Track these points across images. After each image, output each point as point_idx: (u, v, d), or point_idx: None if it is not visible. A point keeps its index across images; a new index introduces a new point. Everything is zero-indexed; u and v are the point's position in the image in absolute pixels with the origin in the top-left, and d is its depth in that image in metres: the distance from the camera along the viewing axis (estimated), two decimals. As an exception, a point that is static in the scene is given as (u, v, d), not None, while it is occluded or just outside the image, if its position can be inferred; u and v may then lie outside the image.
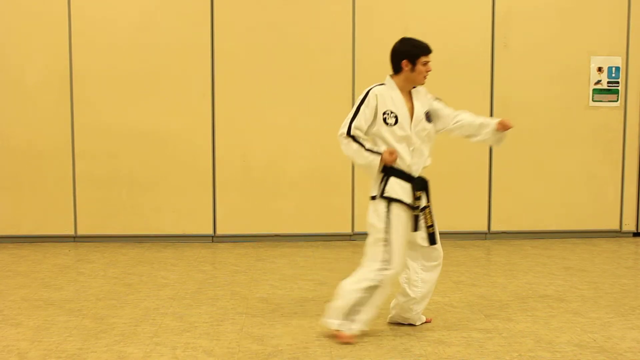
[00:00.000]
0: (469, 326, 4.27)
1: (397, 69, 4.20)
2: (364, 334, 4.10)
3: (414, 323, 4.26)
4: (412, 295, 4.18)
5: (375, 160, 3.98)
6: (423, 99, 4.21)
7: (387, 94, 4.15)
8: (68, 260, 6.18)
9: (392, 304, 4.32)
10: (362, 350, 3.85)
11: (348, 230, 7.01)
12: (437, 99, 4.31)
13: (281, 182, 6.95)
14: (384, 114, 4.07)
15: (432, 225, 4.19)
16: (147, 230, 6.94)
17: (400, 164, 4.03)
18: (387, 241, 3.96)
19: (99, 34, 6.77)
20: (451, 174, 7.02)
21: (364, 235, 6.97)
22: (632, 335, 4.11)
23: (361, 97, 4.18)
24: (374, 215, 4.02)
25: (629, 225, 7.22)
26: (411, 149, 4.07)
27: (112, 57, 6.78)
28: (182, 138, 6.87)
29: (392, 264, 3.94)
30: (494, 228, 7.12)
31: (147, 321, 4.37)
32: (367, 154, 4.00)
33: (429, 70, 4.14)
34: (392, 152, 3.98)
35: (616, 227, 7.22)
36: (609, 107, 7.09)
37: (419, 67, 4.10)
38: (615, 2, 7.00)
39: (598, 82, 7.04)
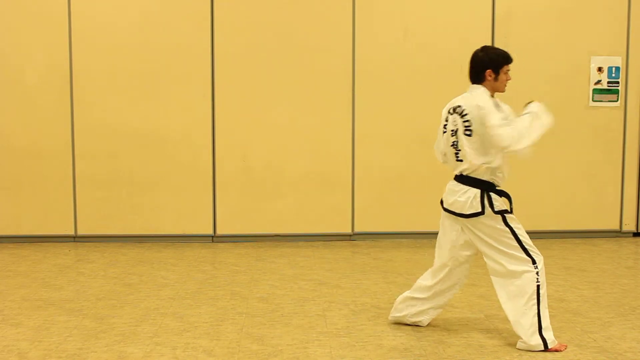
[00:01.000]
0: (469, 326, 4.27)
1: (479, 79, 4.13)
2: (363, 334, 4.11)
3: (422, 324, 4.26)
4: (441, 302, 4.20)
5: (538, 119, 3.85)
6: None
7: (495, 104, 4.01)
8: (68, 260, 6.18)
9: (403, 305, 4.28)
10: (362, 350, 3.85)
11: (348, 230, 7.02)
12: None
13: (281, 182, 6.95)
14: None
15: None
16: (147, 230, 6.94)
17: (497, 178, 3.98)
18: (524, 243, 3.89)
19: (99, 34, 6.77)
20: (451, 173, 7.00)
21: (364, 235, 7.04)
22: (632, 335, 4.11)
23: (487, 104, 3.97)
24: (495, 229, 3.92)
25: (629, 225, 7.22)
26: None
27: (112, 57, 6.78)
28: (182, 138, 6.87)
29: (536, 258, 3.86)
30: (494, 228, 7.11)
31: (147, 321, 4.37)
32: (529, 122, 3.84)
33: (509, 79, 4.09)
34: None
35: (616, 227, 7.22)
36: (609, 107, 7.09)
37: (502, 75, 4.05)
38: (615, 2, 7.00)
39: (598, 82, 7.04)
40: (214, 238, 6.99)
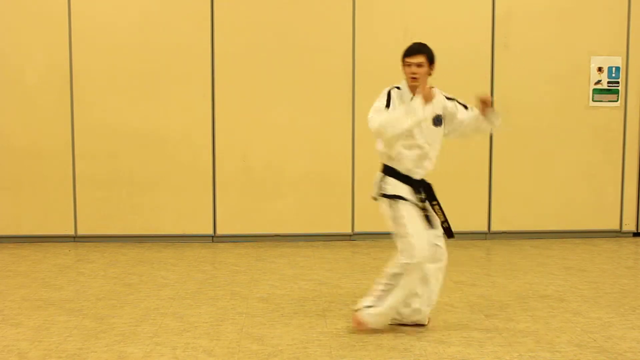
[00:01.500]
0: (469, 326, 4.27)
1: None
2: (363, 334, 4.11)
3: (423, 323, 4.26)
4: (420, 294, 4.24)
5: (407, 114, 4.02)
6: (435, 101, 4.17)
7: (399, 95, 4.17)
8: (68, 260, 6.18)
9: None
10: (362, 350, 3.85)
11: (348, 230, 7.01)
12: (451, 99, 4.31)
13: (281, 182, 6.95)
14: None
15: (445, 220, 4.26)
16: (147, 230, 6.94)
17: (398, 166, 4.18)
18: (402, 234, 4.08)
19: (99, 34, 6.77)
20: (451, 174, 7.01)
21: (364, 235, 7.04)
22: (632, 335, 4.11)
23: (382, 96, 4.18)
24: (385, 213, 4.23)
25: (629, 225, 7.22)
26: (417, 152, 4.15)
27: (112, 57, 6.78)
28: (182, 138, 6.87)
29: (412, 254, 3.99)
30: (494, 228, 7.12)
31: (147, 321, 4.37)
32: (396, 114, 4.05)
33: (412, 73, 4.14)
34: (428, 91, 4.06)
35: (616, 227, 7.22)
36: (609, 107, 7.09)
37: (405, 68, 4.18)
38: (615, 2, 7.00)
39: (598, 82, 7.04)
40: (214, 238, 6.99)
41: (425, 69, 4.17)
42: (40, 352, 3.83)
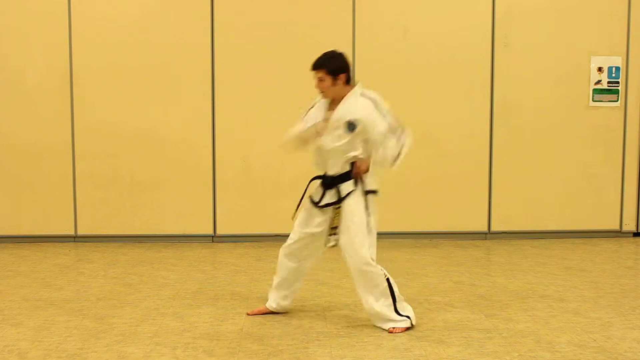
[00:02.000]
0: (469, 326, 4.27)
1: None
2: (364, 334, 4.11)
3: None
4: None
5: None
6: (355, 109, 4.15)
7: (320, 102, 4.34)
8: (68, 260, 6.18)
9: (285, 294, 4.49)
10: (362, 350, 3.85)
11: (348, 230, 7.01)
12: (382, 114, 4.20)
13: (281, 182, 6.94)
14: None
15: (334, 228, 4.26)
16: (147, 230, 6.94)
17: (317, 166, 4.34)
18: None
19: (99, 34, 6.77)
20: (451, 173, 7.03)
21: (364, 235, 7.00)
22: (632, 335, 4.11)
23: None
24: None
25: (629, 225, 7.22)
26: (322, 149, 4.24)
27: (112, 57, 6.78)
28: (182, 138, 6.87)
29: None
30: (494, 228, 7.12)
31: (148, 321, 4.37)
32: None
33: (316, 87, 4.24)
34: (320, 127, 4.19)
35: (616, 227, 7.22)
36: (609, 107, 7.09)
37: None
38: (615, 2, 7.00)
39: (598, 82, 7.04)
40: (214, 238, 6.99)
41: (326, 82, 4.18)
42: (40, 352, 3.83)
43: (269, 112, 6.89)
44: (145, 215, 6.92)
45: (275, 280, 4.50)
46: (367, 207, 4.29)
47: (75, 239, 6.94)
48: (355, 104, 4.16)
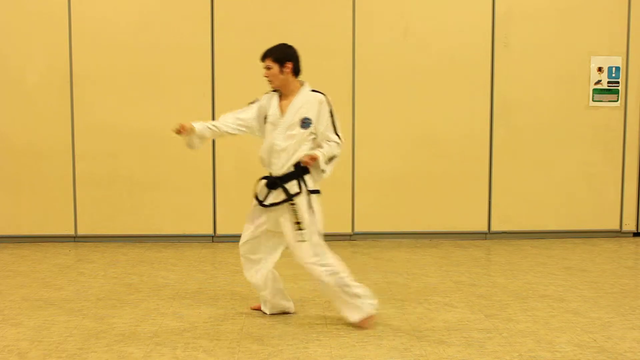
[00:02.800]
0: (469, 326, 4.27)
1: None
2: (363, 334, 4.11)
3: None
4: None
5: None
6: (309, 105, 4.24)
7: (268, 95, 4.45)
8: (68, 260, 6.18)
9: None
10: (362, 350, 3.85)
11: (348, 230, 7.01)
12: (331, 114, 4.28)
13: (281, 182, 6.93)
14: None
15: (298, 222, 4.24)
16: (147, 230, 6.94)
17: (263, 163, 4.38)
18: None
19: (99, 34, 6.77)
20: (451, 173, 7.03)
21: (364, 235, 7.04)
22: (632, 335, 4.11)
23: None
24: None
25: (629, 225, 7.22)
26: (273, 149, 4.27)
27: (112, 57, 6.78)
28: (182, 138, 6.85)
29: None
30: (494, 228, 7.12)
31: (147, 321, 4.37)
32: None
33: (265, 76, 4.37)
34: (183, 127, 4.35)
35: (616, 227, 7.22)
36: (609, 107, 7.09)
37: None
38: (615, 2, 7.00)
39: (598, 82, 7.04)
40: (214, 238, 6.99)
41: (273, 70, 4.30)
42: (40, 352, 3.83)
43: (269, 112, 6.88)
44: (145, 215, 6.92)
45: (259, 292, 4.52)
46: (310, 206, 4.22)
47: (75, 239, 6.95)
48: (308, 99, 4.23)
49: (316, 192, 4.28)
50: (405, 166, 7.01)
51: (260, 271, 4.40)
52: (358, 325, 4.19)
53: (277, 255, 4.47)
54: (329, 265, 4.19)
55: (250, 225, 4.38)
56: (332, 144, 4.24)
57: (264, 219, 4.34)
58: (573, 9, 6.99)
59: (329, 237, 7.01)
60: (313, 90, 4.32)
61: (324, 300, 4.84)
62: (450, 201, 7.05)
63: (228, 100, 6.86)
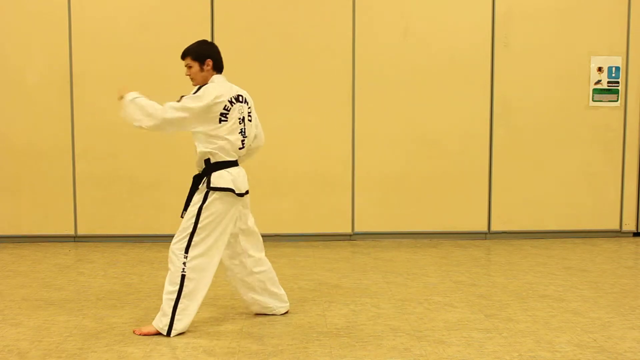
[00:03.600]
0: (469, 326, 4.27)
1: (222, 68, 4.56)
2: (363, 334, 4.11)
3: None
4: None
5: None
6: None
7: None
8: (68, 260, 6.18)
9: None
10: (362, 350, 3.85)
11: (348, 230, 7.01)
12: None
13: (281, 182, 6.95)
14: None
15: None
16: (147, 230, 6.94)
17: None
18: None
19: (99, 33, 6.77)
20: (451, 173, 7.03)
21: (364, 235, 7.04)
22: (632, 335, 4.11)
23: None
24: None
25: (629, 225, 7.22)
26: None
27: (112, 57, 6.79)
28: (183, 138, 6.83)
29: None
30: (494, 228, 7.12)
31: (148, 321, 4.36)
32: None
33: (187, 75, 4.33)
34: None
35: (616, 227, 7.22)
36: (609, 107, 7.09)
37: None
38: (615, 2, 7.01)
39: (598, 82, 7.05)
40: (214, 238, 6.99)
41: (194, 69, 4.28)
42: (40, 352, 3.83)
43: (268, 112, 6.86)
44: (145, 215, 6.92)
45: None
46: (203, 202, 4.12)
47: (75, 239, 6.95)
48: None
49: (221, 189, 4.12)
50: (405, 166, 7.01)
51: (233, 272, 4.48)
52: (140, 329, 4.12)
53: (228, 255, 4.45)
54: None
55: None
56: (163, 105, 4.08)
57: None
58: (573, 9, 6.99)
59: (329, 237, 7.07)
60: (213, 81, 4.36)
61: (324, 300, 4.84)
62: (450, 201, 7.05)
63: (228, 100, 6.87)
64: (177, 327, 4.06)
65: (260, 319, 4.43)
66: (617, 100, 7.08)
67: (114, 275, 5.60)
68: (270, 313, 4.47)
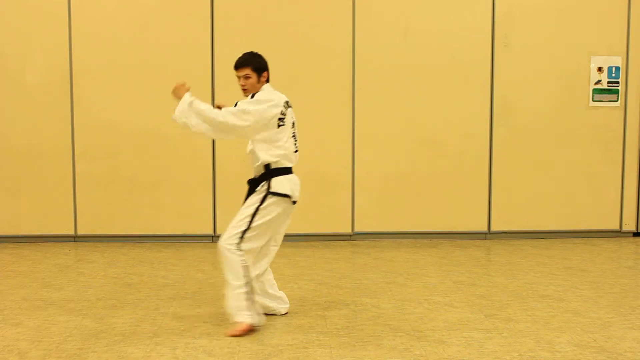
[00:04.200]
0: (469, 326, 4.27)
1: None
2: (363, 334, 4.11)
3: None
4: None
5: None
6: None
7: None
8: (68, 260, 6.18)
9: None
10: (362, 350, 3.85)
11: (348, 230, 7.01)
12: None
13: (281, 182, 6.94)
14: None
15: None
16: (147, 230, 6.94)
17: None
18: None
19: (99, 33, 6.77)
20: (451, 173, 7.03)
21: (364, 235, 7.04)
22: (632, 335, 4.11)
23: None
24: None
25: (629, 225, 7.22)
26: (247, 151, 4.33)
27: (112, 57, 6.79)
28: (183, 138, 6.87)
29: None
30: (494, 228, 7.12)
31: (147, 321, 4.37)
32: None
33: (241, 85, 4.38)
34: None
35: (616, 227, 7.22)
36: (609, 107, 7.09)
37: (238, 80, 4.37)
38: (615, 2, 7.01)
39: (598, 82, 7.05)
40: (214, 238, 6.99)
41: (252, 80, 4.31)
42: (40, 352, 3.83)
43: (269, 112, 6.88)
44: (145, 215, 6.92)
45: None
46: (261, 202, 4.22)
47: (75, 239, 6.95)
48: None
49: (279, 195, 4.23)
50: (405, 166, 7.01)
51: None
52: (232, 331, 4.10)
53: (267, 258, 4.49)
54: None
55: None
56: (225, 111, 4.18)
57: None
58: (573, 9, 6.99)
59: (329, 237, 7.07)
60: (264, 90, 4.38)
61: (324, 300, 4.84)
62: (450, 201, 7.05)
63: (228, 100, 6.85)
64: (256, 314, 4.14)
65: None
66: (617, 100, 7.08)
67: (114, 275, 5.60)
68: (271, 313, 4.47)
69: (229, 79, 6.91)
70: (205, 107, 4.19)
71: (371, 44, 6.88)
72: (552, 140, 7.09)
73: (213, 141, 6.87)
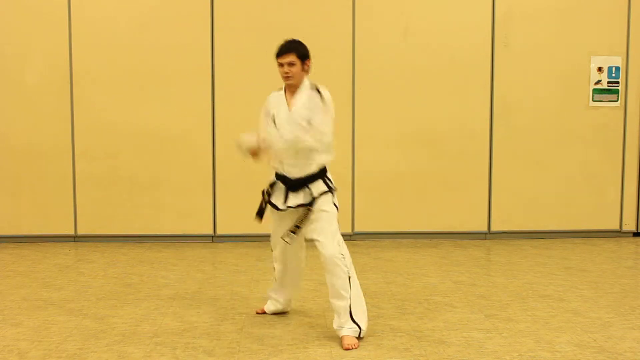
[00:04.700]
0: (469, 326, 4.27)
1: None
2: (364, 334, 4.11)
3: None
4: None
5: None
6: (308, 100, 4.15)
7: (275, 94, 4.33)
8: (68, 260, 6.18)
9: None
10: (362, 350, 3.85)
11: (348, 230, 7.01)
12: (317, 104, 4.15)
13: (281, 182, 6.94)
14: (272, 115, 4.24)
15: (297, 226, 4.17)
16: (147, 230, 6.94)
17: (275, 164, 4.27)
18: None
19: (99, 33, 6.77)
20: (451, 174, 7.03)
21: (364, 235, 7.04)
22: (632, 335, 4.11)
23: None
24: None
25: (629, 225, 7.22)
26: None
27: (112, 57, 6.78)
28: (183, 138, 6.87)
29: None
30: (494, 228, 7.12)
31: (147, 321, 4.37)
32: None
33: (285, 73, 4.14)
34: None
35: (616, 227, 7.22)
36: (609, 107, 7.09)
37: (278, 68, 4.19)
38: (615, 2, 7.00)
39: (598, 82, 7.04)
40: (214, 238, 6.99)
41: (297, 67, 4.14)
42: (40, 352, 3.83)
43: (269, 112, 6.88)
44: (145, 215, 6.92)
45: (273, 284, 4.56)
46: (334, 203, 4.17)
47: (75, 239, 6.95)
48: (311, 97, 4.13)
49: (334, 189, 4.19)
50: (405, 166, 7.01)
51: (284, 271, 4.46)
52: (348, 345, 3.92)
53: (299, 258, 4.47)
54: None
55: (274, 237, 4.48)
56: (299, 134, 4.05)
57: (288, 222, 4.25)
58: (573, 9, 6.99)
59: (329, 237, 7.06)
60: (312, 86, 4.23)
61: (324, 300, 4.84)
62: (450, 201, 7.04)
63: (228, 100, 6.87)
64: (365, 326, 4.00)
65: (260, 319, 4.43)
66: (617, 100, 7.07)
67: (114, 275, 5.60)
68: (281, 311, 4.51)
69: (229, 79, 6.93)
70: (294, 137, 4.09)
71: (371, 44, 6.88)
72: (552, 140, 7.09)
73: (213, 141, 6.87)
